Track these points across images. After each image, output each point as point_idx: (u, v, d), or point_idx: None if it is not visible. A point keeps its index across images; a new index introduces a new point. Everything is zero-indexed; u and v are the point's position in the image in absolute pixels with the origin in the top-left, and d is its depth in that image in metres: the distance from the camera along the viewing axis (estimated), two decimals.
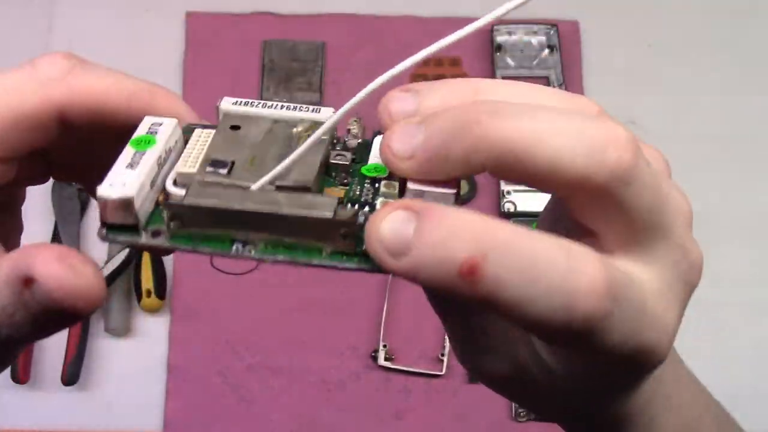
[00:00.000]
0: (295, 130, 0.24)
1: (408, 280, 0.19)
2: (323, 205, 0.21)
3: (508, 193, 0.77)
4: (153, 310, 0.75)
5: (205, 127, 0.25)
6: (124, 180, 0.21)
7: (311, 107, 0.24)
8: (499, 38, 0.83)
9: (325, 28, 0.84)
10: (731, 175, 0.82)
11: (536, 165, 0.19)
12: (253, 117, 0.24)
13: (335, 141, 0.24)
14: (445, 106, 0.21)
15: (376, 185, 0.23)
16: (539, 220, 0.26)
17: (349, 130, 0.24)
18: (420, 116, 0.21)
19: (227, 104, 0.25)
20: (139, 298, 0.74)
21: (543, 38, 0.84)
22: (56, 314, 0.20)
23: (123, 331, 0.74)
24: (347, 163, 0.23)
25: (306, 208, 0.21)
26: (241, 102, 0.24)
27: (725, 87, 0.85)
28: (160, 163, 0.23)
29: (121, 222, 0.21)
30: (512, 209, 0.77)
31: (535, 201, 0.77)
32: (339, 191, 0.23)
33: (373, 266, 0.21)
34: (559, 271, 0.19)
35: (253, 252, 0.21)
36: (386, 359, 0.73)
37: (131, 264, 0.74)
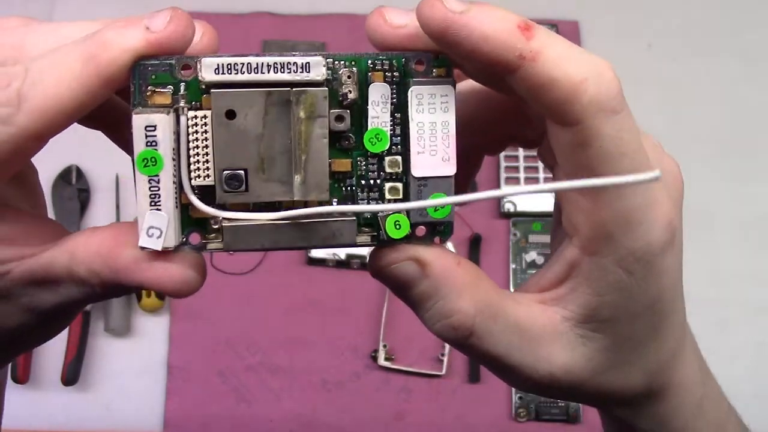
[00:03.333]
0: (294, 114, 0.24)
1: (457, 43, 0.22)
2: (345, 235, 0.25)
3: None
4: (153, 310, 0.75)
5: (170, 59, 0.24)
6: (158, 225, 0.23)
7: (299, 61, 0.24)
8: None
9: (325, 28, 0.84)
10: (731, 175, 0.82)
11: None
12: (244, 96, 0.24)
13: (332, 96, 0.24)
14: None
15: (382, 162, 0.25)
16: (553, 222, 0.28)
17: (344, 94, 0.24)
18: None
19: (210, 74, 0.24)
20: (139, 298, 0.74)
21: None
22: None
23: (123, 331, 0.74)
24: (348, 128, 0.24)
25: (330, 239, 0.25)
26: (223, 67, 0.24)
27: (725, 87, 0.85)
28: (175, 180, 0.24)
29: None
30: (512, 209, 0.77)
31: (535, 201, 0.77)
32: (346, 163, 0.25)
33: (388, 244, 0.25)
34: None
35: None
36: (386, 359, 0.73)
37: None
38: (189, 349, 0.74)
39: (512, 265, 0.77)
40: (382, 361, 0.73)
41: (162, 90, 0.24)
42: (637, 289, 0.25)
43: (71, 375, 0.71)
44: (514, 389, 0.73)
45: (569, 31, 0.84)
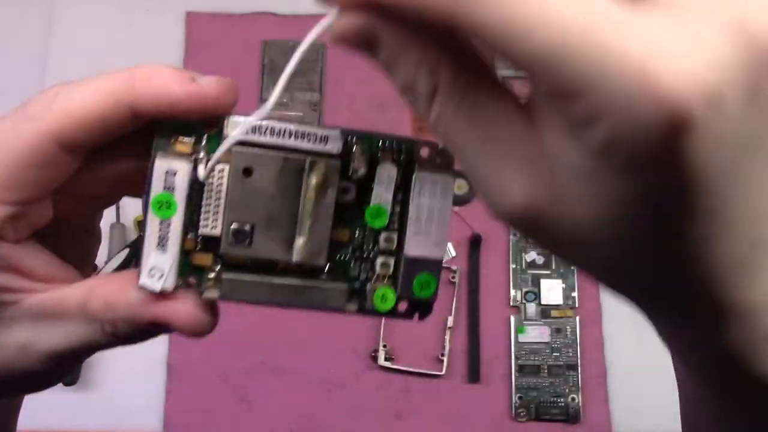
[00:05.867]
0: (305, 184, 0.25)
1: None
2: (335, 301, 0.26)
3: None
4: None
5: (204, 126, 0.25)
6: (161, 267, 0.25)
7: (318, 135, 0.25)
8: None
9: None
10: None
11: None
12: (263, 157, 0.25)
13: (342, 169, 0.26)
14: None
15: (378, 237, 0.26)
16: None
17: (354, 170, 0.26)
18: None
19: (236, 131, 0.24)
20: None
21: None
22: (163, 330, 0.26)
23: None
24: (352, 200, 0.26)
25: (321, 303, 0.26)
26: (249, 129, 0.25)
27: None
28: (185, 227, 0.25)
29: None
30: None
31: None
32: (345, 233, 0.26)
33: (371, 314, 0.27)
34: None
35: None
36: (386, 359, 0.73)
37: (131, 264, 0.74)
38: (189, 349, 0.74)
39: (512, 265, 0.77)
40: (382, 361, 0.73)
41: (185, 139, 0.25)
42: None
43: (71, 375, 0.71)
44: (514, 389, 0.73)
45: None
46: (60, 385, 0.71)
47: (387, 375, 0.74)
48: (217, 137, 0.25)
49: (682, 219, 0.19)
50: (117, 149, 0.26)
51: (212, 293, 0.26)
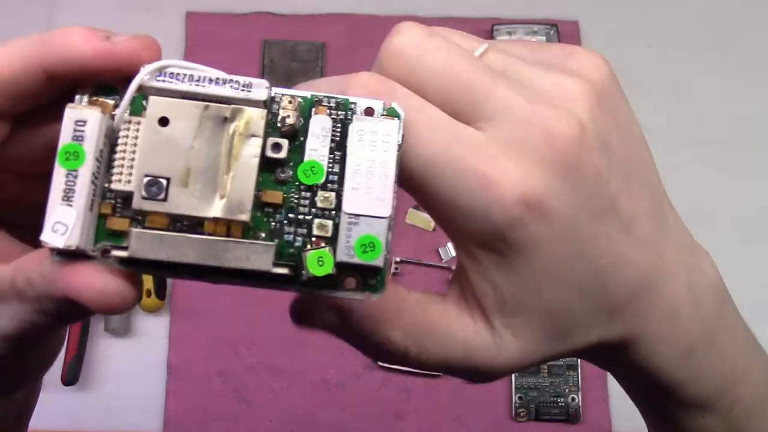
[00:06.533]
0: (227, 128, 0.23)
1: None
2: (260, 260, 0.23)
3: None
4: (153, 311, 0.75)
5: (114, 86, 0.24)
6: (66, 221, 0.22)
7: (242, 81, 0.23)
8: (499, 38, 0.83)
9: (325, 28, 0.84)
10: (731, 175, 0.82)
11: None
12: (180, 105, 0.23)
13: (271, 120, 0.24)
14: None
15: (314, 197, 0.24)
16: None
17: (283, 118, 0.24)
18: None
19: (149, 80, 0.23)
20: (139, 298, 0.74)
21: (543, 38, 0.84)
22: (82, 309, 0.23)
23: (123, 331, 0.74)
24: (284, 156, 0.24)
25: (243, 260, 0.23)
26: (164, 75, 0.23)
27: (725, 87, 0.85)
28: (94, 178, 0.23)
29: (70, 253, 0.23)
30: None
31: None
32: (277, 195, 0.24)
33: (311, 289, 0.24)
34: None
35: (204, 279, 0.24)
36: None
37: None
38: (189, 349, 0.74)
39: None
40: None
41: (105, 100, 0.24)
42: (520, 262, 0.24)
43: (71, 375, 0.71)
44: (514, 389, 0.73)
45: (569, 31, 0.84)
46: (60, 385, 0.71)
47: (387, 375, 0.74)
48: (140, 98, 0.23)
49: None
50: (45, 118, 0.25)
51: (120, 252, 0.23)
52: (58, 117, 0.23)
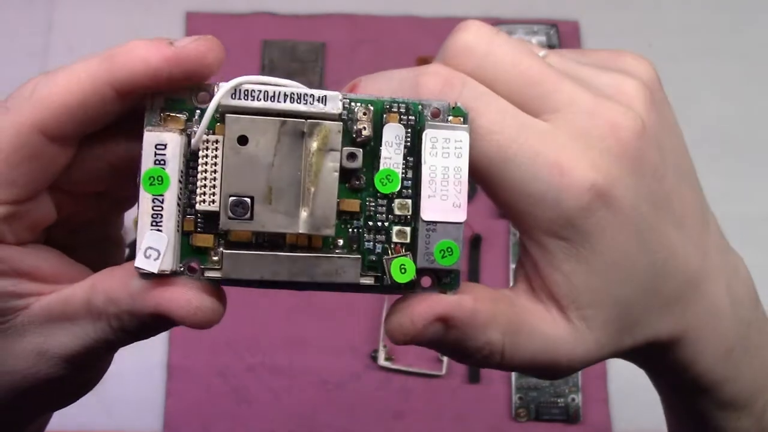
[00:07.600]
0: (307, 146, 0.23)
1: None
2: (348, 273, 0.24)
3: None
4: None
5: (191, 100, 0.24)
6: (157, 246, 0.23)
7: (317, 95, 0.23)
8: None
9: (325, 28, 0.84)
10: (732, 174, 0.82)
11: None
12: (259, 123, 0.23)
13: (345, 134, 0.24)
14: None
15: (391, 205, 0.25)
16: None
17: (359, 130, 0.24)
18: None
19: (226, 98, 0.23)
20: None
21: (543, 38, 0.84)
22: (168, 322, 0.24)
23: None
24: (359, 167, 0.24)
25: (332, 275, 0.24)
26: (240, 93, 0.23)
27: (726, 87, 0.85)
28: (179, 200, 0.23)
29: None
30: None
31: None
32: (354, 203, 0.24)
33: (392, 291, 0.25)
34: None
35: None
36: (386, 359, 0.73)
37: None
38: (189, 349, 0.74)
39: (512, 265, 0.77)
40: (382, 361, 0.73)
41: (177, 115, 0.24)
42: (589, 250, 0.24)
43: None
44: (514, 389, 0.73)
45: (569, 31, 0.84)
46: None
47: (387, 375, 0.74)
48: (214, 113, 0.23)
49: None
50: (110, 137, 0.25)
51: (214, 273, 0.24)
52: (122, 136, 0.24)
